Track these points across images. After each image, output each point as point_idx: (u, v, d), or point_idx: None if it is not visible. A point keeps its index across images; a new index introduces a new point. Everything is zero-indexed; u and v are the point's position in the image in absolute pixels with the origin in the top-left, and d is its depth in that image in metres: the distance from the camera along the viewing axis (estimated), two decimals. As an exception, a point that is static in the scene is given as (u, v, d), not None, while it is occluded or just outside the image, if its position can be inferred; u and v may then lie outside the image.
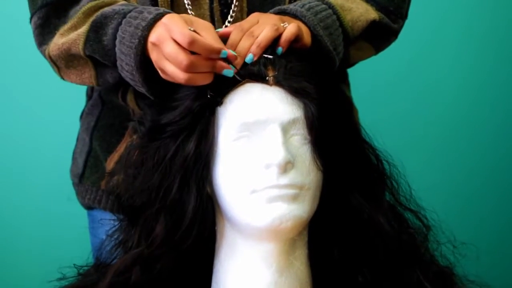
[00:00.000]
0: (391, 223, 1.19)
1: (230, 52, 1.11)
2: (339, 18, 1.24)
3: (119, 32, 1.17)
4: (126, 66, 1.17)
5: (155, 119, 1.16)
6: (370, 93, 1.90)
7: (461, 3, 2.20)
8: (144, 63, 1.16)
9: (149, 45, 1.14)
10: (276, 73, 1.11)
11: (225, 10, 1.28)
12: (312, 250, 1.18)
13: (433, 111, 2.22)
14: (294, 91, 1.11)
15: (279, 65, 1.12)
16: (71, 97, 1.62)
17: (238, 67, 1.12)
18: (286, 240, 1.13)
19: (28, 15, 1.31)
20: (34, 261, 2.05)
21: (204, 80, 1.11)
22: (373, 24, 1.29)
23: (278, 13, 1.22)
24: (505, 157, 2.24)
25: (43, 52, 1.29)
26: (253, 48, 1.12)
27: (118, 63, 1.19)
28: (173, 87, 1.15)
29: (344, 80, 1.44)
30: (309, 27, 1.19)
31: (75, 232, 1.42)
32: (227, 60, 1.11)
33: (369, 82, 1.88)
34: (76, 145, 1.46)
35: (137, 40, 1.14)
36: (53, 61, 1.27)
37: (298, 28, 1.15)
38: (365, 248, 1.18)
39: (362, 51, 1.33)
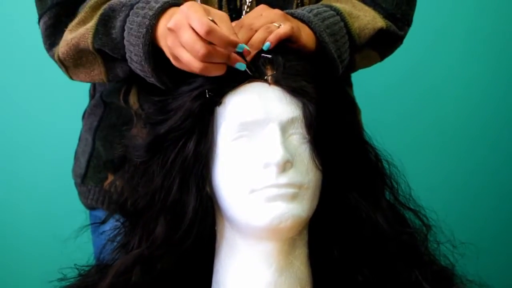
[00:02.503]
0: (390, 222, 1.19)
1: (246, 47, 1.11)
2: (346, 25, 1.24)
3: (127, 24, 1.17)
4: (135, 57, 1.17)
5: (153, 131, 1.16)
6: (373, 93, 1.91)
7: (466, 4, 2.21)
8: (153, 53, 1.16)
9: (163, 31, 1.13)
10: (275, 72, 1.12)
11: (234, 15, 1.28)
12: (312, 249, 1.18)
13: (434, 112, 2.22)
14: (293, 91, 1.11)
15: (278, 65, 1.12)
16: (72, 96, 1.62)
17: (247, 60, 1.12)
18: (285, 239, 1.13)
19: (31, 15, 1.30)
20: (35, 261, 2.05)
21: (218, 70, 1.11)
22: (380, 32, 1.28)
23: None
24: (505, 157, 2.24)
25: (53, 54, 1.28)
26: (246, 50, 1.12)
27: (127, 55, 1.19)
28: (183, 77, 1.15)
29: (347, 81, 1.44)
30: (315, 33, 1.19)
31: (77, 232, 1.42)
32: (240, 53, 1.11)
33: (372, 81, 1.88)
34: (78, 145, 1.46)
35: (144, 30, 1.14)
36: (61, 61, 1.27)
37: (291, 29, 1.14)
38: (364, 247, 1.18)
39: (368, 59, 1.34)
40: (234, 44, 1.09)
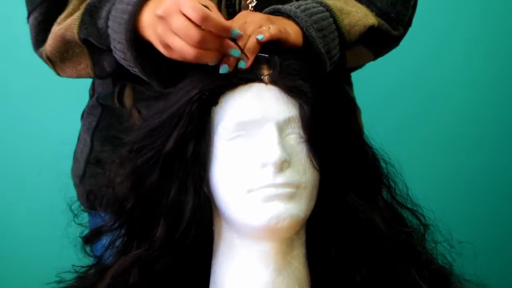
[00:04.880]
0: (388, 222, 1.19)
1: (240, 33, 1.10)
2: (335, 21, 1.24)
3: (112, 12, 1.18)
4: (118, 45, 1.17)
5: (160, 152, 1.14)
6: (371, 92, 1.91)
7: (469, 6, 2.21)
8: (136, 41, 1.15)
9: (150, 20, 1.12)
10: (271, 72, 1.12)
11: (231, 10, 1.29)
12: (310, 249, 1.18)
13: (431, 111, 2.22)
14: (289, 90, 1.11)
15: (274, 64, 1.12)
16: (72, 96, 1.62)
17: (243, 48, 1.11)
18: (283, 239, 1.13)
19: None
20: (33, 262, 2.04)
21: (212, 58, 1.10)
22: (371, 29, 1.28)
23: (272, 12, 1.21)
24: (504, 157, 2.25)
25: (40, 53, 1.29)
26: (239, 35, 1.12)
27: (111, 44, 1.19)
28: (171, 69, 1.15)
29: (347, 81, 1.44)
30: (301, 28, 1.19)
31: (76, 233, 1.42)
32: (234, 41, 1.10)
33: (370, 81, 1.88)
34: (77, 145, 1.46)
35: (127, 16, 1.14)
36: (48, 58, 1.28)
37: (279, 31, 1.14)
38: (362, 247, 1.18)
39: (359, 56, 1.33)
40: (228, 30, 1.08)
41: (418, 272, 1.19)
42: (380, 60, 1.40)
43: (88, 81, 1.47)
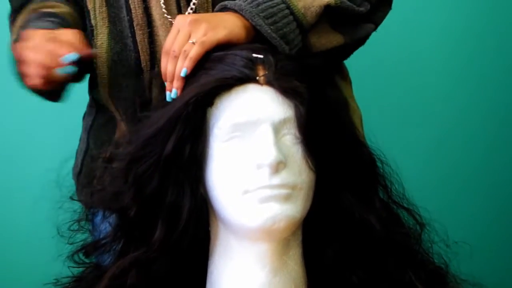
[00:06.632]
0: (384, 223, 1.19)
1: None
2: (289, 6, 1.23)
3: None
4: None
5: (160, 157, 1.14)
6: (367, 91, 1.90)
7: (460, 2, 2.22)
8: None
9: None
10: (267, 72, 1.12)
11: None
12: (307, 249, 1.18)
13: (427, 110, 2.22)
14: (285, 91, 1.11)
15: (270, 65, 1.12)
16: (76, 98, 1.62)
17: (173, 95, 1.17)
18: (279, 240, 1.13)
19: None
20: (31, 262, 2.04)
21: None
22: (329, 9, 1.27)
23: (221, 10, 1.23)
24: (497, 155, 2.24)
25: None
26: (175, 83, 1.16)
27: None
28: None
29: (339, 72, 1.44)
30: (248, 19, 1.20)
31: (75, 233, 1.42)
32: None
33: (367, 80, 1.88)
34: (78, 145, 1.49)
35: None
36: None
37: (201, 48, 1.16)
38: (358, 248, 1.18)
39: (325, 39, 1.30)
40: None
41: (414, 272, 1.20)
42: (377, 59, 1.39)
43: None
